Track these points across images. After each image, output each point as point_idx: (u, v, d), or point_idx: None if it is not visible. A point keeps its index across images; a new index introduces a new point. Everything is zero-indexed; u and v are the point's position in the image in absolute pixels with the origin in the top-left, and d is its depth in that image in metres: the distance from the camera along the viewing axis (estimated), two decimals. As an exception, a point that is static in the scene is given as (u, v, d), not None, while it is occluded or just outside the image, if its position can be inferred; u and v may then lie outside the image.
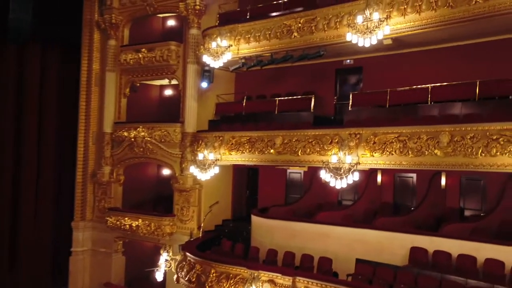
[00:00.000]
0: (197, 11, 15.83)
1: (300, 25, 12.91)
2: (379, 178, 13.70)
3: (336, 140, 11.84)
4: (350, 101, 13.06)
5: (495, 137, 9.31)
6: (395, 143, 10.75)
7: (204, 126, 15.99)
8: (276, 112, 14.55)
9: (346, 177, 10.84)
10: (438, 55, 12.63)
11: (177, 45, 16.46)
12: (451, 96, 11.34)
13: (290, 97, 14.56)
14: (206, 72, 15.40)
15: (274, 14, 13.99)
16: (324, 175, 11.27)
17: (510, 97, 10.52)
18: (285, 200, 15.77)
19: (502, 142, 9.14)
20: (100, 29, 18.22)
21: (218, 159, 13.76)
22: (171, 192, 16.45)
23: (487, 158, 9.32)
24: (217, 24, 16.08)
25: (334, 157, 11.25)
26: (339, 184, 10.97)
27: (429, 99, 11.58)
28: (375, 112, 12.56)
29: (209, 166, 13.46)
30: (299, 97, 14.36)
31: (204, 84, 15.41)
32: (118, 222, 16.82)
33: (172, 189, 16.19)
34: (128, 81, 17.82)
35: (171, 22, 19.03)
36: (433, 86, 11.62)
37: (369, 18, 10.94)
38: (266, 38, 13.56)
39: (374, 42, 10.89)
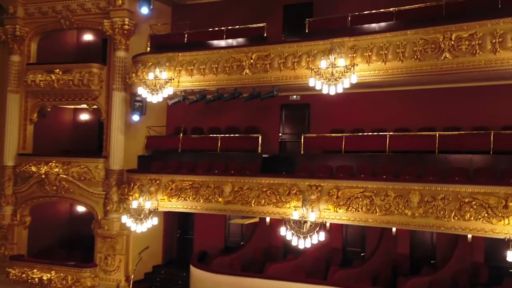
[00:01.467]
0: (125, 31, 13.87)
1: (252, 61, 11.76)
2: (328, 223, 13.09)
3: (295, 191, 10.91)
4: (302, 144, 12.25)
5: (467, 200, 9.10)
6: (361, 199, 10.12)
7: (133, 162, 14.08)
8: (218, 151, 13.24)
9: (311, 236, 9.95)
10: (392, 96, 12.30)
11: (100, 68, 14.31)
12: (411, 147, 11.04)
13: (234, 135, 13.33)
14: (137, 102, 13.52)
15: (221, 45, 12.74)
16: (285, 233, 10.25)
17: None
18: (225, 243, 14.48)
19: (475, 206, 8.94)
20: (0, 41, 15.24)
21: (156, 208, 12.03)
22: (89, 233, 14.25)
23: (460, 221, 9.08)
24: (148, 46, 14.35)
25: (296, 212, 10.29)
26: (302, 243, 10.04)
27: (387, 148, 11.19)
28: (330, 158, 11.88)
29: (146, 216, 11.68)
30: (245, 135, 13.18)
31: (136, 117, 13.51)
32: (23, 275, 14.12)
33: (91, 230, 14.01)
34: (36, 105, 15.13)
35: (88, 37, 16.65)
36: (391, 135, 11.27)
37: (334, 64, 10.16)
38: (212, 72, 12.17)
39: (340, 90, 10.13)
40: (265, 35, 13.19)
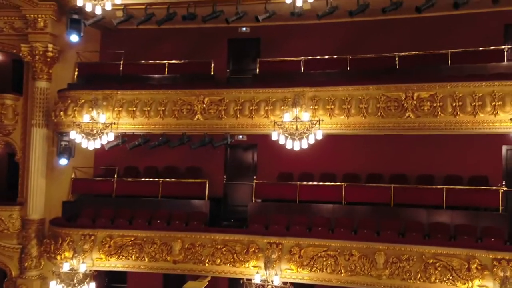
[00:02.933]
0: (48, 59, 12.05)
1: (205, 106, 10.82)
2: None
3: (253, 249, 10.22)
4: (253, 191, 11.62)
5: (431, 261, 9.20)
6: (325, 259, 9.77)
7: (56, 209, 12.27)
8: (159, 197, 12.05)
9: (276, 302, 9.35)
10: (343, 140, 12.11)
11: (14, 99, 12.29)
12: (367, 199, 10.99)
13: (177, 180, 12.20)
14: (64, 142, 11.78)
15: (163, 82, 11.54)
16: (247, 297, 9.54)
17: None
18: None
19: (439, 268, 9.07)
20: None
21: (92, 271, 10.49)
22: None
23: (426, 284, 9.14)
24: (75, 76, 12.63)
25: (258, 276, 9.62)
26: (266, 310, 9.41)
27: (343, 200, 11.05)
28: (284, 209, 11.40)
29: (81, 281, 10.12)
30: (190, 181, 12.13)
31: (63, 161, 11.76)
32: None
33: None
34: None
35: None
36: (347, 185, 11.14)
37: (298, 118, 9.71)
38: (158, 115, 10.98)
39: (305, 146, 9.70)
40: (212, 73, 12.33)
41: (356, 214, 10.91)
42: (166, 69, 12.43)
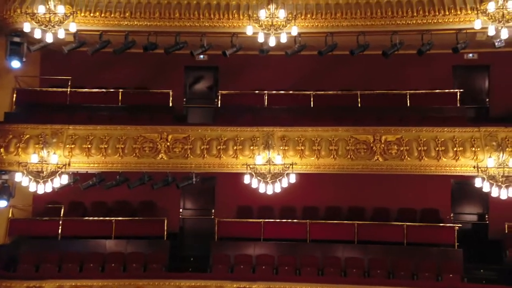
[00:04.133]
0: (-19, 84, 10.62)
1: (169, 144, 10.17)
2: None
3: (222, 296, 9.82)
4: (216, 228, 11.23)
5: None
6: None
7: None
8: (113, 237, 11.21)
9: None
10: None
11: None
12: (332, 236, 11.09)
13: (132, 218, 11.43)
14: (1, 181, 10.42)
15: (117, 116, 10.71)
16: None
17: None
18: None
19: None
20: None
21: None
22: None
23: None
24: (14, 104, 11.31)
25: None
26: None
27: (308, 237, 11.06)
28: (249, 247, 11.13)
29: None
30: (147, 219, 11.41)
31: (2, 203, 10.35)
32: None
33: None
34: None
35: None
36: (312, 222, 11.18)
37: (272, 161, 9.50)
38: (117, 153, 10.11)
39: (278, 190, 9.51)
40: (171, 104, 11.69)
41: (321, 250, 10.95)
42: (120, 98, 11.54)
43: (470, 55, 12.07)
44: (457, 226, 10.78)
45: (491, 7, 9.23)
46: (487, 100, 12.21)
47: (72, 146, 10.07)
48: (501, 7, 9.13)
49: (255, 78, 12.39)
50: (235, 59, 12.13)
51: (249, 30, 9.71)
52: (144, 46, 10.27)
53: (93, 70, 12.12)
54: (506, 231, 11.16)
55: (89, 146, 10.08)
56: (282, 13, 9.66)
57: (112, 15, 10.23)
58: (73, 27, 9.57)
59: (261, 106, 11.59)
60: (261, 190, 9.51)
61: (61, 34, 9.41)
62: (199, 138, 10.26)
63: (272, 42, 9.64)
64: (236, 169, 10.10)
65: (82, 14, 10.15)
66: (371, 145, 9.99)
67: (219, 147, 10.15)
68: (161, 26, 10.27)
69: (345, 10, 10.16)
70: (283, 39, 9.62)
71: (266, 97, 11.67)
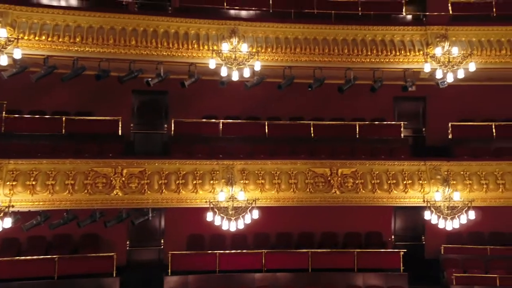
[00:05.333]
0: None
1: (124, 179, 9.62)
2: None
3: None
4: (169, 263, 10.84)
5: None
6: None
7: None
8: (55, 278, 10.31)
9: None
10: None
11: None
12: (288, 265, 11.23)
13: (77, 255, 10.61)
14: None
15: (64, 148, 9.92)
16: None
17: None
18: None
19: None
20: None
21: None
22: None
23: None
24: None
25: None
26: None
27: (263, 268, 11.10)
28: (203, 281, 10.91)
29: None
30: (94, 255, 10.67)
31: None
32: None
33: None
34: None
35: None
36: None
37: (234, 197, 9.40)
38: (66, 190, 9.35)
39: (241, 226, 9.43)
40: (120, 132, 11.06)
41: (279, 282, 11.04)
42: (64, 126, 10.67)
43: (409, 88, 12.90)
44: (402, 252, 11.45)
45: (438, 52, 9.97)
46: (424, 129, 13.13)
47: (14, 183, 9.12)
48: (447, 52, 9.90)
49: (207, 103, 12.16)
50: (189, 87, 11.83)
51: (211, 64, 9.50)
52: (96, 74, 9.59)
53: (30, 93, 11.06)
54: (442, 252, 12.09)
55: (33, 182, 9.21)
56: (244, 47, 9.58)
57: (61, 40, 9.43)
58: (17, 54, 8.65)
59: (216, 135, 11.39)
60: (224, 227, 9.36)
61: (3, 61, 8.47)
62: (157, 172, 9.85)
63: (235, 77, 9.52)
64: (195, 204, 9.87)
65: (26, 38, 9.23)
66: (329, 178, 10.30)
67: (178, 182, 9.83)
68: (115, 53, 9.67)
69: (304, 45, 10.35)
70: (246, 74, 9.55)
71: (221, 126, 11.47)
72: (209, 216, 9.35)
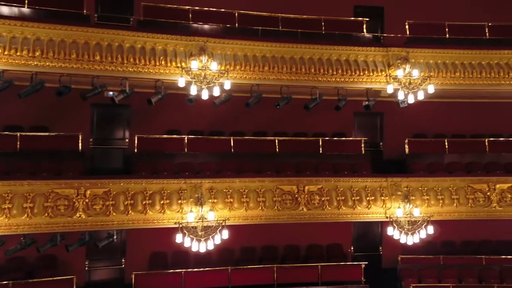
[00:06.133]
0: None
1: (87, 200, 9.20)
2: None
3: None
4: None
5: None
6: None
7: None
8: (10, 305, 9.70)
9: None
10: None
11: None
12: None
13: (32, 280, 10.03)
14: None
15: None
16: None
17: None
18: None
19: None
20: None
21: None
22: None
23: None
24: None
25: None
26: None
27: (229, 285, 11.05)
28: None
29: None
30: (51, 279, 10.14)
31: None
32: None
33: None
34: None
35: None
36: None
37: (203, 218, 9.29)
38: (25, 214, 8.79)
39: (211, 247, 9.34)
40: (80, 149, 10.57)
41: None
42: (19, 142, 10.03)
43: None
44: (363, 264, 11.81)
45: (399, 74, 10.39)
46: (381, 144, 13.63)
47: (-35, 206, 8.46)
48: (408, 74, 10.34)
49: (170, 117, 11.95)
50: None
51: (181, 82, 9.31)
52: (57, 90, 9.11)
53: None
54: (400, 263, 12.62)
55: (-12, 206, 8.58)
56: (214, 66, 9.48)
57: (18, 53, 8.84)
58: (-29, 70, 8.03)
59: (181, 151, 11.18)
60: (194, 248, 9.23)
61: (-44, 77, 7.84)
62: (122, 192, 9.52)
63: (205, 95, 9.39)
64: (163, 224, 9.66)
65: (-22, 51, 8.58)
66: (296, 195, 10.43)
67: (144, 202, 9.56)
68: (78, 68, 9.20)
69: (272, 64, 10.39)
70: (216, 92, 9.45)
71: (186, 142, 11.28)
72: (178, 238, 9.16)
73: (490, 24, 12.58)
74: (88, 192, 9.25)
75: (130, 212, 9.43)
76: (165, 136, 11.38)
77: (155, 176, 9.88)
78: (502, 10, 13.59)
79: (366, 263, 11.88)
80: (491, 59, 11.30)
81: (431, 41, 11.67)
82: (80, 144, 10.54)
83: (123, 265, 11.61)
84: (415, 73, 10.34)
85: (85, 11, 10.36)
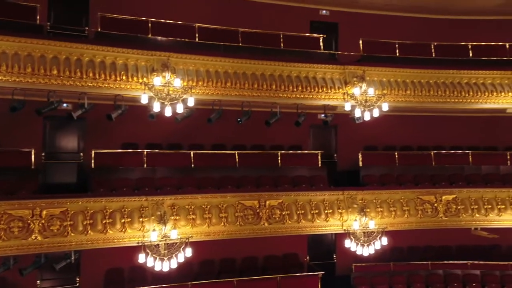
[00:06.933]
0: None
1: (44, 221, 8.77)
2: None
3: None
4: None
5: None
6: None
7: None
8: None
9: None
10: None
11: None
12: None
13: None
14: None
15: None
16: None
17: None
18: None
19: None
20: None
21: None
22: None
23: None
24: None
25: None
26: None
27: (191, 299, 10.99)
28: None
29: None
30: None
31: None
32: None
33: None
34: None
35: None
36: None
37: (166, 236, 9.20)
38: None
39: (174, 265, 9.26)
40: (33, 165, 10.09)
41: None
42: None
43: (323, 115, 13.73)
44: (320, 274, 12.18)
45: (356, 92, 10.83)
46: (335, 155, 14.10)
47: None
48: (364, 92, 10.80)
49: (127, 130, 11.69)
50: (105, 110, 11.22)
51: (144, 99, 9.15)
52: (11, 106, 8.65)
53: None
54: (354, 271, 13.14)
55: None
56: (177, 82, 9.39)
57: (-34, 67, 8.30)
58: None
59: (140, 166, 10.97)
60: (157, 268, 9.10)
61: None
62: (81, 211, 9.17)
63: (168, 113, 9.28)
64: (124, 243, 9.43)
65: None
66: (258, 210, 10.56)
67: (104, 221, 9.27)
68: (33, 83, 8.77)
69: (234, 80, 10.44)
70: (180, 109, 9.37)
71: (145, 156, 11.08)
72: (141, 258, 9.00)
73: (435, 43, 13.44)
74: (44, 212, 8.83)
75: (89, 232, 9.11)
76: (123, 150, 11.13)
77: (115, 194, 9.61)
78: (446, 30, 14.48)
79: (323, 272, 12.25)
80: (438, 78, 12.03)
81: (383, 59, 12.25)
82: (33, 160, 10.04)
83: (78, 284, 11.19)
84: (371, 91, 10.81)
85: (38, 22, 9.93)
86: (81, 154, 11.37)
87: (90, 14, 11.46)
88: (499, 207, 11.93)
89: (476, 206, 11.87)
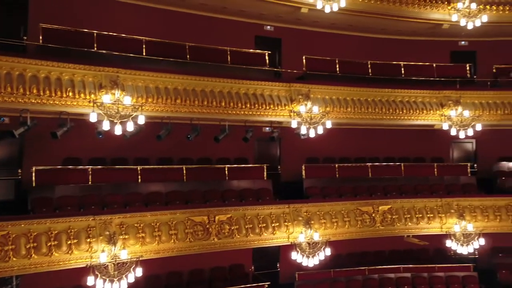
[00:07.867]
0: None
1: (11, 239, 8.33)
2: None
3: None
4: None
5: None
6: None
7: None
8: None
9: None
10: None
11: None
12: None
13: None
14: None
15: None
16: None
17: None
18: None
19: None
20: None
21: None
22: None
23: None
24: None
25: None
26: None
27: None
28: None
29: None
30: None
31: None
32: None
33: None
34: None
35: None
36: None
37: (116, 256, 9.05)
38: None
39: (124, 287, 9.13)
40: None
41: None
42: None
43: (268, 128, 14.10)
44: (266, 284, 12.52)
45: (302, 110, 11.30)
46: (279, 167, 14.52)
47: None
48: (309, 110, 11.30)
49: (69, 143, 11.19)
50: (45, 124, 10.75)
51: (92, 117, 8.94)
52: None
53: None
54: (297, 279, 13.62)
55: None
56: (128, 100, 9.27)
57: None
58: None
59: (85, 183, 10.64)
60: (107, 289, 8.92)
61: None
62: (23, 234, 8.75)
63: (118, 131, 9.14)
64: (70, 265, 9.14)
65: None
66: (207, 226, 10.67)
67: (49, 244, 8.92)
68: (-30, 100, 8.26)
69: (184, 96, 10.49)
70: (130, 127, 9.25)
71: (90, 173, 10.77)
72: (90, 280, 8.78)
73: (371, 62, 14.31)
74: (12, 234, 8.39)
75: (33, 255, 8.71)
76: (66, 167, 10.70)
77: (61, 214, 9.27)
78: (382, 49, 15.40)
79: (269, 283, 12.60)
80: (375, 96, 12.86)
81: (325, 77, 12.86)
82: (-33, 179, 9.42)
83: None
84: (315, 109, 11.32)
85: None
86: (19, 171, 10.78)
87: (29, 25, 10.90)
88: (428, 215, 12.97)
89: (409, 215, 12.82)
